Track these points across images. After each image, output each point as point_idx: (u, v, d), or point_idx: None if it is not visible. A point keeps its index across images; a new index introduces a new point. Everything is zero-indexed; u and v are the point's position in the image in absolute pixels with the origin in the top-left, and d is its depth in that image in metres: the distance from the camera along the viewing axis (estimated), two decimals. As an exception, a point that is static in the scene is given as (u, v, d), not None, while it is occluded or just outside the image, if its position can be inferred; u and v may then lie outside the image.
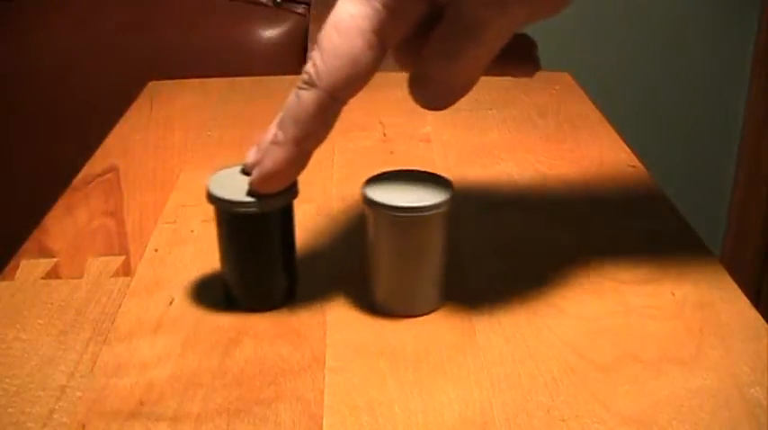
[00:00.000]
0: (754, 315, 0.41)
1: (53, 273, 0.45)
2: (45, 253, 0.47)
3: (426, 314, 0.41)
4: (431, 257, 0.40)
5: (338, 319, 0.41)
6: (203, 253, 0.47)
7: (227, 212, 0.39)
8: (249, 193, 0.38)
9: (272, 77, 0.80)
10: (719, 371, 0.37)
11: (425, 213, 0.39)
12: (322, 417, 0.34)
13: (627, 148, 0.61)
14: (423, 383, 0.36)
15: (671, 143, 1.48)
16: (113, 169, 0.58)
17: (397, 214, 0.38)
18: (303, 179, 0.56)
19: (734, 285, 0.44)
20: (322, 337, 0.40)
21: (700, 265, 0.46)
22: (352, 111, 0.66)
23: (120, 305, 0.42)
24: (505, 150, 0.61)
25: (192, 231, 0.49)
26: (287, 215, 0.41)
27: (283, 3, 1.09)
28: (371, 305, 0.41)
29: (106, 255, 0.47)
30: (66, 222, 0.51)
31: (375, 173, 0.41)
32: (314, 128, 0.37)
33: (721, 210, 1.57)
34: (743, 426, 0.34)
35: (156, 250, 0.47)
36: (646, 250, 0.47)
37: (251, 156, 0.38)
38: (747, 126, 1.49)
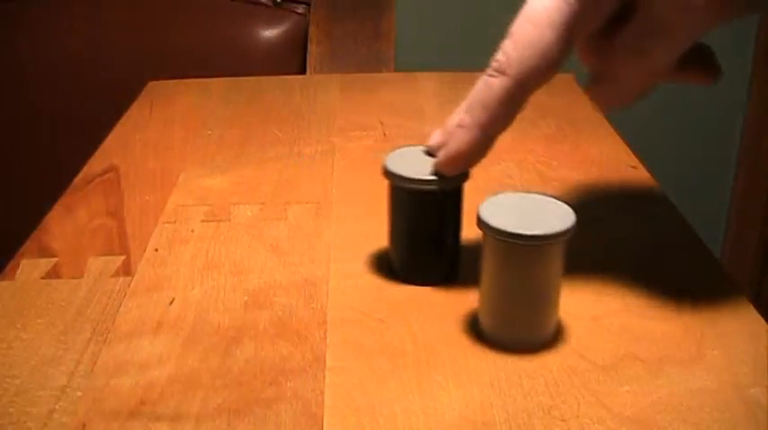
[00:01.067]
0: (754, 315, 0.41)
1: (53, 273, 0.45)
2: (45, 253, 0.47)
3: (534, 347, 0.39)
4: (552, 287, 0.38)
5: (338, 319, 0.41)
6: (203, 253, 0.47)
7: (404, 189, 0.41)
8: (425, 172, 0.40)
9: (272, 77, 0.80)
10: (719, 371, 0.37)
11: (550, 242, 0.36)
12: (322, 417, 0.34)
13: (627, 149, 0.61)
14: (423, 383, 0.36)
15: (671, 143, 1.48)
16: (113, 169, 0.58)
17: (522, 242, 0.36)
18: (304, 179, 0.57)
19: (734, 285, 0.44)
20: (322, 337, 0.40)
21: (700, 266, 0.46)
22: (353, 112, 0.67)
23: (120, 305, 0.42)
24: (505, 150, 0.61)
25: (192, 231, 0.49)
26: (459, 196, 0.42)
27: (283, 3, 1.09)
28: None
29: (106, 254, 0.47)
30: (67, 222, 0.51)
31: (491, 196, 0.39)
32: (500, 114, 0.38)
33: (721, 210, 1.57)
34: (743, 427, 0.34)
35: (156, 250, 0.47)
36: (646, 250, 0.47)
37: (435, 139, 0.41)
38: (747, 127, 1.49)
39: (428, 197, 0.41)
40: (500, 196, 0.39)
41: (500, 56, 0.37)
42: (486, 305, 0.39)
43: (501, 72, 0.37)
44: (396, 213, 0.43)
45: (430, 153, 0.41)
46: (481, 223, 0.37)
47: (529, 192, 0.39)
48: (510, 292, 0.38)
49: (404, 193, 0.41)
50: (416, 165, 0.41)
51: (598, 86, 0.40)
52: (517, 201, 0.39)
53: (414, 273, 0.43)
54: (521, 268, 0.37)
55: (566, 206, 0.38)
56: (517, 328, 0.39)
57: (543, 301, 0.38)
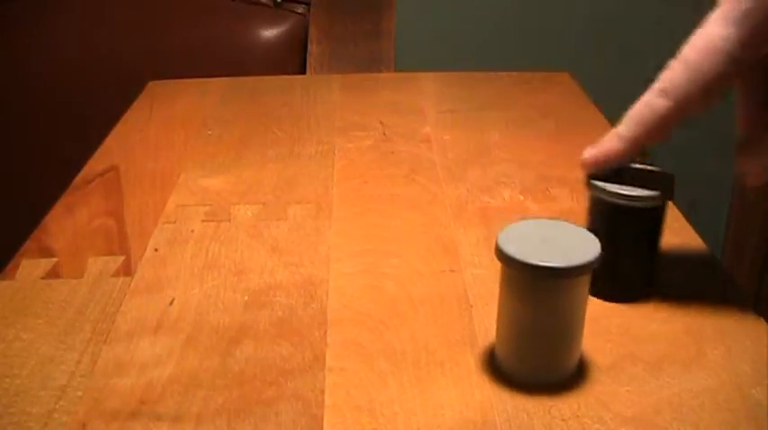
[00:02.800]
0: (754, 315, 0.41)
1: (53, 273, 0.45)
2: (45, 252, 0.47)
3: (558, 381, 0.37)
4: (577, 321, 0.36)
5: (338, 319, 0.41)
6: (203, 253, 0.47)
7: (610, 204, 0.41)
8: (629, 189, 0.40)
9: (272, 77, 0.80)
10: (720, 371, 0.37)
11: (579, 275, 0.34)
12: (322, 417, 0.34)
13: (627, 149, 0.61)
14: (423, 383, 0.36)
15: (671, 143, 1.48)
16: (113, 169, 0.58)
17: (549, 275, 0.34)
18: (304, 179, 0.57)
19: (734, 285, 0.44)
20: (322, 337, 0.40)
21: (700, 266, 0.46)
22: (353, 112, 0.67)
23: (120, 305, 0.42)
24: (505, 150, 0.61)
25: (192, 231, 0.49)
26: (662, 213, 0.42)
27: (283, 3, 1.09)
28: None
29: (106, 254, 0.47)
30: (67, 222, 0.51)
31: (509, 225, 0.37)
32: (656, 133, 0.39)
33: (721, 210, 1.57)
34: (743, 426, 0.34)
35: (156, 250, 0.47)
36: (646, 250, 0.47)
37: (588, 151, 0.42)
38: (747, 126, 1.49)
39: (638, 213, 0.41)
40: (521, 223, 0.37)
41: (667, 75, 0.38)
42: (503, 340, 0.37)
43: (665, 93, 0.38)
44: (595, 228, 0.40)
45: (622, 171, 0.41)
46: (499, 253, 0.35)
47: (550, 218, 0.38)
48: (529, 327, 0.35)
49: (610, 209, 0.41)
50: (623, 183, 0.41)
51: (747, 157, 0.40)
52: (538, 229, 0.36)
53: (617, 290, 0.42)
54: (543, 302, 0.35)
55: (589, 233, 0.36)
56: (535, 365, 0.36)
57: (564, 337, 0.36)
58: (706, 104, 0.38)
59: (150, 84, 0.76)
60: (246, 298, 0.43)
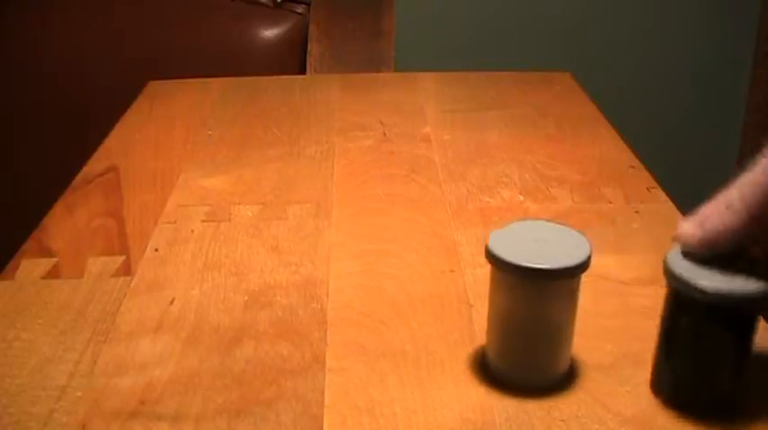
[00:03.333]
0: (754, 315, 0.41)
1: (53, 273, 0.45)
2: (45, 252, 0.47)
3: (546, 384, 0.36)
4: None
5: (338, 319, 0.41)
6: (203, 253, 0.47)
7: (709, 303, 0.32)
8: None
9: (272, 77, 0.80)
10: (719, 371, 0.37)
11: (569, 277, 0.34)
12: (322, 417, 0.34)
13: (627, 148, 0.61)
14: (423, 383, 0.36)
15: (671, 143, 1.48)
16: (113, 169, 0.58)
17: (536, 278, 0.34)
18: (304, 179, 0.57)
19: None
20: (322, 337, 0.40)
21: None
22: (353, 112, 0.67)
23: (120, 305, 0.42)
24: (505, 150, 0.61)
25: (192, 231, 0.49)
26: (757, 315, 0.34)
27: (283, 3, 1.09)
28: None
29: (106, 254, 0.47)
30: (67, 222, 0.51)
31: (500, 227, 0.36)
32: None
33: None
34: (742, 426, 0.34)
35: (157, 250, 0.47)
36: (646, 250, 0.47)
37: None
38: (748, 126, 1.49)
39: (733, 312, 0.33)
40: (514, 225, 0.36)
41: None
42: (493, 341, 0.37)
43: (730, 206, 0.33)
44: (676, 327, 0.35)
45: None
46: (488, 254, 0.34)
47: (540, 219, 0.37)
48: (519, 329, 0.35)
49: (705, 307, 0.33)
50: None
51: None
52: (530, 231, 0.36)
53: (701, 399, 0.35)
54: (531, 304, 0.34)
55: (579, 235, 0.35)
56: (522, 367, 0.36)
57: (555, 340, 0.35)
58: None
59: (150, 84, 0.76)
60: (246, 298, 0.43)
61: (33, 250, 0.48)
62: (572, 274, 0.34)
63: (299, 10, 1.09)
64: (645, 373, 0.37)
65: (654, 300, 0.42)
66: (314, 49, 1.02)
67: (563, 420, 0.34)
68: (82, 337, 0.40)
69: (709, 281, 0.32)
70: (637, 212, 0.51)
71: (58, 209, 0.53)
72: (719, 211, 0.33)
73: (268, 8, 1.09)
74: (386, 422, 0.34)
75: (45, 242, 0.49)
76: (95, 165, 0.59)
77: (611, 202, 0.53)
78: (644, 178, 0.56)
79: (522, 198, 0.53)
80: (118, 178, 0.57)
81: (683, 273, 0.33)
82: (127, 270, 0.46)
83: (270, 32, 1.07)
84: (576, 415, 0.34)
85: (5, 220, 0.95)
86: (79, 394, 0.36)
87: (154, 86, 0.76)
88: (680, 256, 0.34)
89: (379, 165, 0.58)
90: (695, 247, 0.33)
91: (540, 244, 0.34)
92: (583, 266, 0.34)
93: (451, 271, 0.45)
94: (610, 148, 0.61)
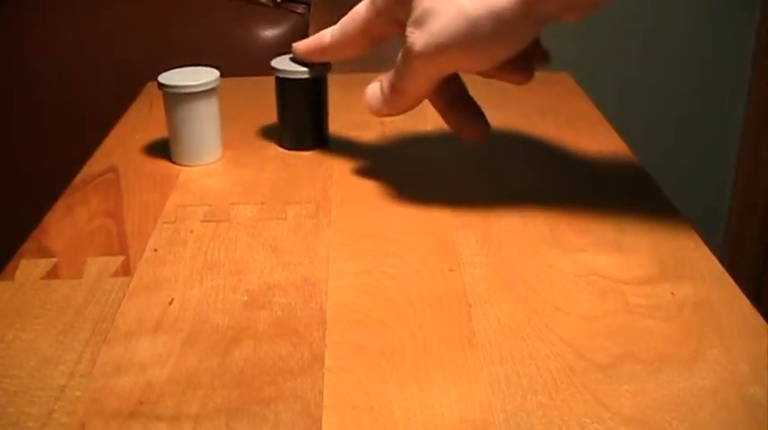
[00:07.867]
0: (754, 315, 0.41)
1: (53, 273, 0.45)
2: (45, 253, 0.47)
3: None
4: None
5: (338, 319, 0.41)
6: (203, 253, 0.47)
7: (285, 79, 0.58)
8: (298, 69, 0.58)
9: (271, 77, 0.80)
10: (719, 370, 0.37)
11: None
12: (321, 417, 0.34)
13: (627, 148, 0.61)
14: (423, 383, 0.36)
15: (671, 143, 1.48)
16: (113, 169, 0.58)
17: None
18: (303, 179, 0.56)
19: (734, 285, 0.44)
20: (322, 337, 0.40)
21: (699, 265, 0.46)
22: (352, 112, 0.66)
23: (119, 305, 0.42)
24: (505, 150, 0.61)
25: (191, 231, 0.49)
26: (324, 82, 0.60)
27: (283, 3, 1.09)
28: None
29: (106, 255, 0.47)
30: (66, 222, 0.51)
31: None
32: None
33: (721, 209, 1.57)
34: (743, 426, 0.34)
35: (156, 250, 0.47)
36: (646, 250, 0.47)
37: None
38: (747, 126, 1.49)
39: (302, 84, 0.59)
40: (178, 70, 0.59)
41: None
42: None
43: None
44: (279, 99, 0.60)
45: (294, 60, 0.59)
46: (158, 83, 0.56)
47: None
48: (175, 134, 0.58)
49: (284, 82, 0.59)
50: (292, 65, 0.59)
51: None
52: (198, 71, 0.58)
53: (296, 142, 0.61)
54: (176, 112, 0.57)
55: (215, 72, 0.58)
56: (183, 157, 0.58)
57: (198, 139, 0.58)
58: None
59: (150, 84, 0.76)
60: (246, 298, 0.43)
61: (32, 250, 0.48)
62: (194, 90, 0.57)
63: (299, 10, 1.09)
64: (645, 373, 0.37)
65: (654, 299, 0.42)
66: (314, 49, 1.01)
67: (563, 420, 0.34)
68: (81, 337, 0.40)
69: (287, 66, 0.58)
70: (636, 212, 0.51)
71: (58, 209, 0.53)
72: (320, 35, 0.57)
73: (268, 8, 1.09)
74: (385, 422, 0.34)
75: (44, 242, 0.49)
76: (95, 165, 0.59)
77: (610, 202, 0.53)
78: (644, 178, 0.56)
79: (521, 197, 0.53)
80: (117, 178, 0.57)
81: (278, 66, 0.59)
82: (126, 270, 0.46)
83: (270, 32, 1.07)
84: (576, 415, 0.34)
85: (5, 220, 0.96)
86: (78, 394, 0.36)
87: (154, 86, 0.75)
88: (287, 60, 0.59)
89: (378, 164, 0.58)
90: (301, 55, 0.58)
91: (195, 74, 0.58)
92: (204, 85, 0.57)
93: (451, 270, 0.45)
94: (610, 148, 0.61)
